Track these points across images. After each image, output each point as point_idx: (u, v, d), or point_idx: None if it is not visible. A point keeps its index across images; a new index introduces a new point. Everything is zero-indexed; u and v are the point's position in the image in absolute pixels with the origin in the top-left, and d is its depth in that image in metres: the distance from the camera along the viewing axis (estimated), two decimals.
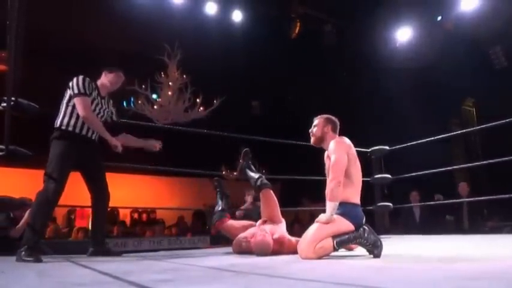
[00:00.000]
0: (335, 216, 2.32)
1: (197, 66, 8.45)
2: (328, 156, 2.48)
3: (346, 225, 2.34)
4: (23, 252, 2.40)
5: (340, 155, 2.39)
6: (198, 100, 8.83)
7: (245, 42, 8.36)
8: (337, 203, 2.31)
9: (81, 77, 2.80)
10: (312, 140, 2.65)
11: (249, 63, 8.71)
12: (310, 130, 2.67)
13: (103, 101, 2.95)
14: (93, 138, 2.89)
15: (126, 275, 1.69)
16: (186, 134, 6.67)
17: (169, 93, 8.65)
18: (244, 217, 3.53)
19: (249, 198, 4.62)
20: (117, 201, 3.79)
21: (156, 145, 3.15)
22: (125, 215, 9.86)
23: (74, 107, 2.75)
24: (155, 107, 8.64)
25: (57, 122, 2.78)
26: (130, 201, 6.14)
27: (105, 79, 2.95)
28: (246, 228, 3.08)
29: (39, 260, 2.34)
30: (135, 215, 10.32)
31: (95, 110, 2.84)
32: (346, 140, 2.51)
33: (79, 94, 2.73)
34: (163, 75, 8.65)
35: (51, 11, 6.81)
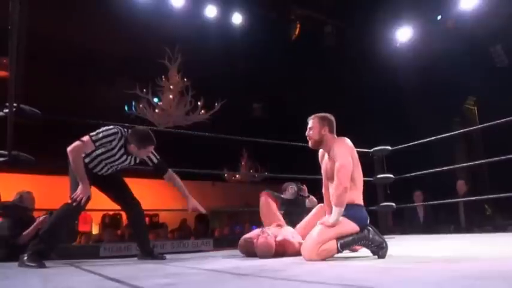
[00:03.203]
0: (340, 218, 2.32)
1: (198, 69, 8.48)
2: (331, 159, 2.44)
3: (350, 226, 2.33)
4: (26, 258, 2.40)
5: (345, 160, 2.33)
6: (199, 103, 8.85)
7: (245, 45, 8.37)
8: (343, 209, 2.29)
9: (110, 132, 2.69)
10: (310, 143, 2.58)
11: (249, 66, 8.72)
12: (306, 133, 2.58)
13: (129, 157, 2.83)
14: (104, 175, 2.88)
15: (131, 279, 1.69)
16: (188, 138, 6.67)
17: (171, 96, 8.68)
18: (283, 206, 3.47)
19: (290, 190, 4.56)
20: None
21: (197, 208, 3.05)
22: None
23: (94, 150, 2.71)
24: (157, 110, 8.66)
25: None
26: None
27: (134, 149, 2.76)
28: (275, 215, 3.14)
29: (42, 266, 2.34)
30: None
31: (107, 162, 2.78)
32: (349, 142, 2.46)
33: (90, 136, 2.64)
34: (164, 79, 8.68)
35: (51, 16, 6.84)
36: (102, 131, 2.69)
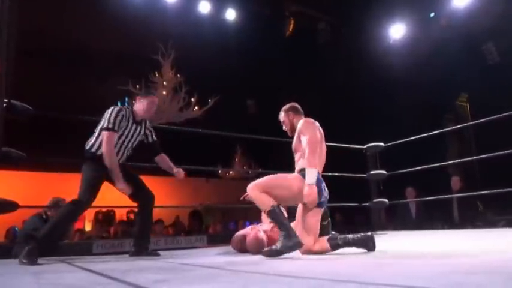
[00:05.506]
0: (294, 175, 2.51)
1: (191, 65, 8.44)
2: (299, 135, 2.59)
3: (297, 181, 2.46)
4: (21, 255, 2.38)
5: (313, 133, 2.51)
6: (192, 99, 8.82)
7: (239, 41, 8.35)
8: (316, 170, 2.42)
9: (115, 110, 2.79)
10: (289, 133, 2.80)
11: (243, 62, 8.70)
12: (284, 129, 2.82)
13: (139, 127, 2.95)
14: (120, 163, 2.89)
15: (123, 275, 1.69)
16: (182, 134, 6.64)
17: (164, 93, 8.64)
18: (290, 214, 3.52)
19: None
20: (113, 201, 3.78)
21: (181, 175, 3.17)
22: (121, 215, 9.81)
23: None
24: None
25: (89, 143, 2.80)
26: (126, 201, 6.08)
27: (139, 105, 2.93)
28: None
29: (34, 262, 2.32)
30: (131, 215, 10.26)
31: (123, 141, 2.84)
32: (314, 121, 2.63)
33: (107, 129, 2.73)
34: (157, 75, 8.63)
35: (44, 12, 6.77)
36: (110, 115, 2.76)
